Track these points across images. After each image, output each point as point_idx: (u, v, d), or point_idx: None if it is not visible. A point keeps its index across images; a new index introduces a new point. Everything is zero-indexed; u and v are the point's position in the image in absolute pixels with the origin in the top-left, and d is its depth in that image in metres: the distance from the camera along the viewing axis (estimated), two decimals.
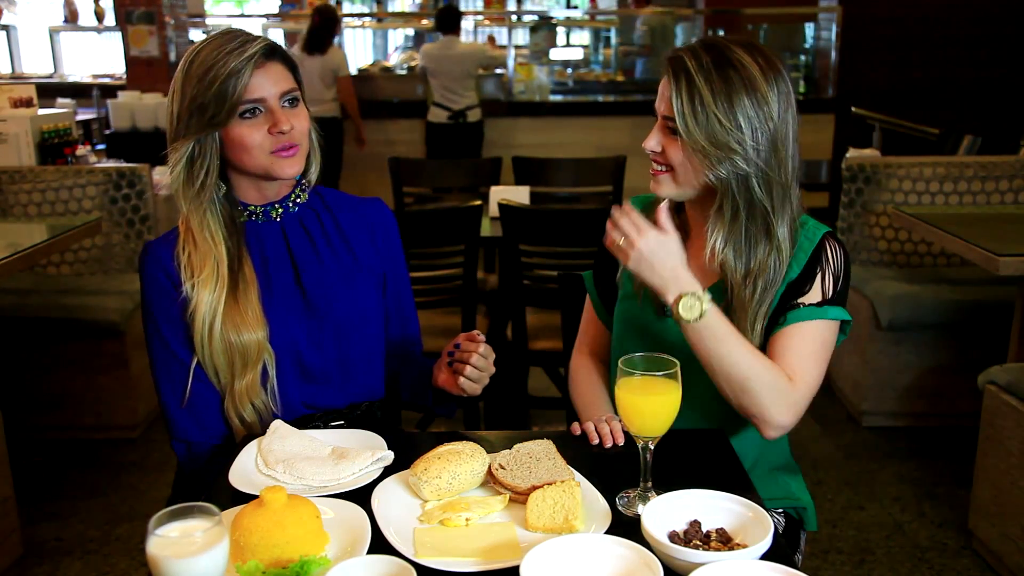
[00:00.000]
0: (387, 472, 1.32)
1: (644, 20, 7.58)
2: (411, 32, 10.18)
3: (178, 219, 1.54)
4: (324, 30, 5.81)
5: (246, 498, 1.21)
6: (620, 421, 1.44)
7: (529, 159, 4.30)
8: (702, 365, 1.40)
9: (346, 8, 10.51)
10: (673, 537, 1.13)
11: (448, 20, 6.03)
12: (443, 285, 2.99)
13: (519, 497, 1.23)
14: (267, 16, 8.83)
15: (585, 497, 1.22)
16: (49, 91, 6.05)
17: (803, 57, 6.96)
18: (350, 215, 1.64)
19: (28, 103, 3.96)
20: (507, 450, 1.33)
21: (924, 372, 3.38)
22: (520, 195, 3.61)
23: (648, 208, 1.62)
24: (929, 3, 6.59)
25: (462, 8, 8.66)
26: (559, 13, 10.38)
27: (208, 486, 1.36)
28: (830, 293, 1.46)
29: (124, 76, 6.50)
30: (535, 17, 9.32)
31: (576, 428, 1.48)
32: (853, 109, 5.72)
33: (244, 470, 1.34)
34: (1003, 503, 2.48)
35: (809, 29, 6.98)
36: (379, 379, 1.68)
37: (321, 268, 1.58)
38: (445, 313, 3.10)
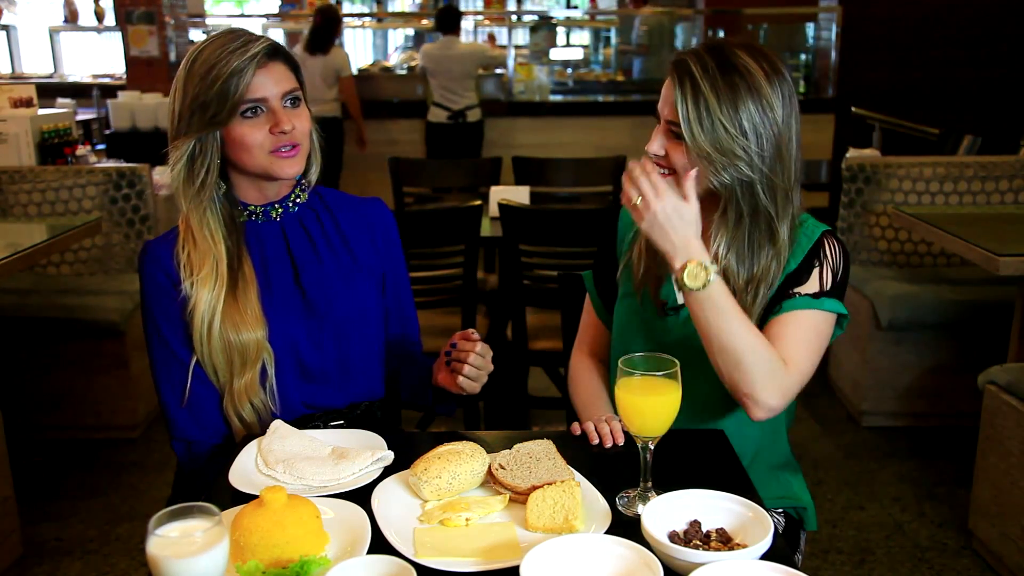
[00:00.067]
0: (387, 472, 1.32)
1: (644, 20, 7.58)
2: (411, 32, 10.19)
3: (178, 219, 1.54)
4: (326, 30, 5.82)
5: (246, 498, 1.21)
6: (620, 421, 1.44)
7: (529, 159, 4.30)
8: (700, 337, 1.40)
9: (346, 8, 10.52)
10: (673, 537, 1.13)
11: (448, 20, 6.03)
12: (443, 285, 2.99)
13: (519, 497, 1.23)
14: (267, 16, 8.83)
15: (585, 497, 1.22)
16: (49, 91, 6.06)
17: (803, 57, 6.96)
18: (350, 215, 1.64)
19: (28, 103, 3.96)
20: (507, 450, 1.33)
21: (924, 372, 3.39)
22: (520, 195, 3.61)
23: None
24: (929, 3, 6.59)
25: (462, 8, 8.66)
26: (559, 13, 10.39)
27: (208, 486, 1.36)
28: (828, 285, 1.47)
29: (124, 76, 6.51)
30: (535, 17, 9.32)
31: (576, 428, 1.48)
32: (853, 109, 5.72)
33: (244, 470, 1.34)
34: (1003, 503, 2.48)
35: (809, 29, 6.99)
36: (379, 379, 1.68)
37: (321, 268, 1.58)
38: (445, 313, 3.10)
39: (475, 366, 1.51)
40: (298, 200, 1.59)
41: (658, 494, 1.21)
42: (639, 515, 1.13)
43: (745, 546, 1.10)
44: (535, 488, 1.21)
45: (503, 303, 3.23)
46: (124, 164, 3.84)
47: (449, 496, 1.25)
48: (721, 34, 7.48)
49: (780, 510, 1.63)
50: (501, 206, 2.90)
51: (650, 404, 1.22)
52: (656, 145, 1.46)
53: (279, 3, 8.68)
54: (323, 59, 5.80)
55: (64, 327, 3.30)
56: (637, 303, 1.59)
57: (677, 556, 1.06)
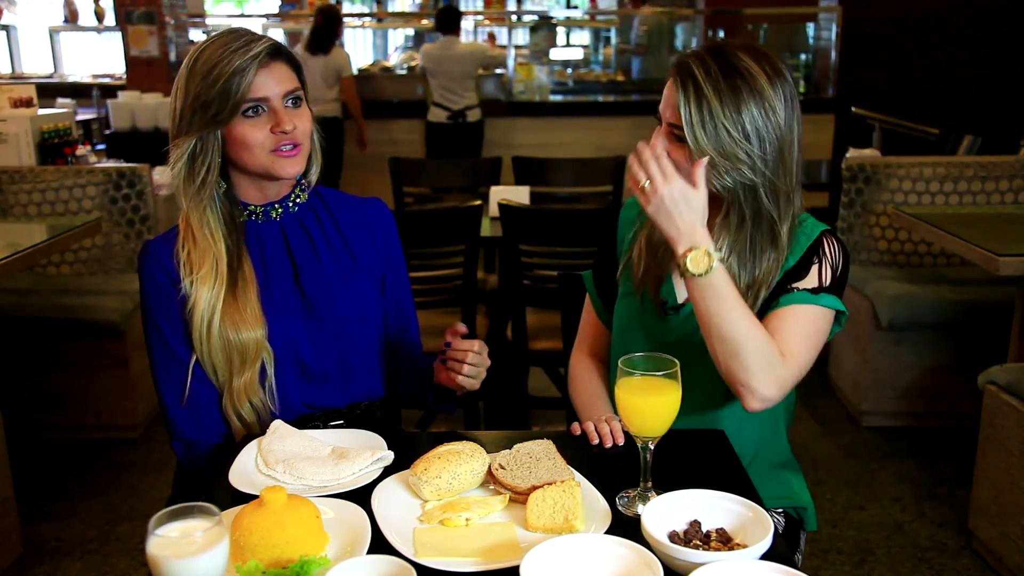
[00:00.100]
0: (387, 472, 1.32)
1: (644, 20, 7.59)
2: (411, 32, 10.19)
3: (178, 219, 1.54)
4: (327, 30, 5.82)
5: (246, 498, 1.21)
6: (620, 421, 1.44)
7: (529, 159, 4.30)
8: (700, 324, 1.40)
9: (346, 8, 10.52)
10: (673, 537, 1.13)
11: (448, 20, 6.03)
12: (443, 285, 2.99)
13: (519, 497, 1.23)
14: (267, 16, 8.83)
15: (585, 497, 1.22)
16: (49, 91, 6.06)
17: (803, 57, 6.96)
18: (349, 215, 1.64)
19: (28, 103, 3.96)
20: (507, 450, 1.33)
21: (924, 372, 3.39)
22: (520, 195, 3.61)
23: None
24: (929, 3, 6.59)
25: (462, 8, 8.66)
26: (559, 13, 10.39)
27: (208, 486, 1.36)
28: (827, 281, 1.47)
29: (124, 76, 6.51)
30: (535, 17, 9.33)
31: (576, 428, 1.48)
32: (853, 109, 5.72)
33: (244, 470, 1.34)
34: (1003, 503, 2.48)
35: (809, 29, 6.99)
36: (378, 379, 1.68)
37: (320, 268, 1.58)
38: (445, 313, 3.10)
39: (474, 364, 1.51)
40: (298, 200, 1.59)
41: (658, 494, 1.21)
42: (639, 515, 1.13)
43: (745, 546, 1.10)
44: (535, 488, 1.21)
45: (503, 303, 3.23)
46: (124, 164, 3.84)
47: (449, 496, 1.25)
48: (721, 34, 7.48)
49: (780, 510, 1.63)
50: (501, 206, 2.90)
51: (650, 404, 1.22)
52: (658, 148, 1.45)
53: (279, 3, 8.68)
54: (324, 59, 5.80)
55: (64, 327, 3.30)
56: (637, 303, 1.59)
57: (677, 556, 1.06)
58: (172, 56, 6.29)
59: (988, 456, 2.55)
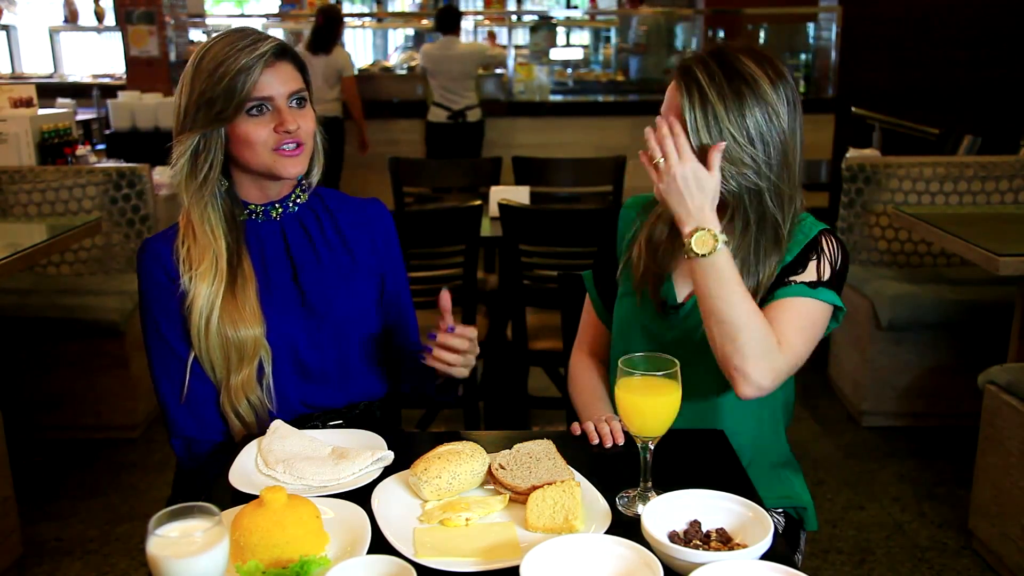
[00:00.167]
0: (387, 472, 1.32)
1: (643, 20, 7.59)
2: (411, 32, 10.19)
3: (178, 219, 1.55)
4: (328, 30, 5.82)
5: (246, 498, 1.21)
6: (620, 421, 1.44)
7: (529, 159, 4.30)
8: (700, 306, 1.40)
9: (346, 8, 10.51)
10: (673, 537, 1.13)
11: (448, 20, 6.03)
12: (443, 285, 2.98)
13: (519, 497, 1.23)
14: (267, 16, 8.84)
15: (585, 497, 1.22)
16: (49, 91, 6.06)
17: (803, 57, 6.96)
18: (349, 215, 1.65)
19: (28, 103, 3.96)
20: (507, 450, 1.33)
21: (924, 372, 3.39)
22: (520, 195, 3.61)
23: (648, 207, 1.62)
24: (929, 3, 6.59)
25: (462, 8, 8.66)
26: (559, 13, 10.39)
27: (208, 486, 1.36)
28: (825, 276, 1.47)
29: (124, 76, 6.50)
30: (535, 17, 9.33)
31: (576, 428, 1.48)
32: (853, 109, 5.72)
33: (244, 470, 1.34)
34: (1003, 503, 2.48)
35: (809, 29, 6.99)
36: (378, 379, 1.68)
37: (319, 268, 1.59)
38: None
39: (466, 351, 1.50)
40: (298, 200, 1.60)
41: (658, 494, 1.21)
42: (639, 515, 1.13)
43: (745, 546, 1.10)
44: (535, 488, 1.21)
45: (503, 303, 3.23)
46: (124, 164, 3.84)
47: (449, 496, 1.25)
48: (721, 34, 7.48)
49: (780, 510, 1.63)
50: (501, 206, 2.90)
51: (650, 404, 1.22)
52: (676, 125, 1.45)
53: (279, 3, 8.68)
54: (325, 59, 5.80)
55: (64, 327, 3.30)
56: (637, 302, 1.59)
57: (677, 556, 1.06)
58: (172, 56, 6.29)
59: (988, 456, 2.55)
